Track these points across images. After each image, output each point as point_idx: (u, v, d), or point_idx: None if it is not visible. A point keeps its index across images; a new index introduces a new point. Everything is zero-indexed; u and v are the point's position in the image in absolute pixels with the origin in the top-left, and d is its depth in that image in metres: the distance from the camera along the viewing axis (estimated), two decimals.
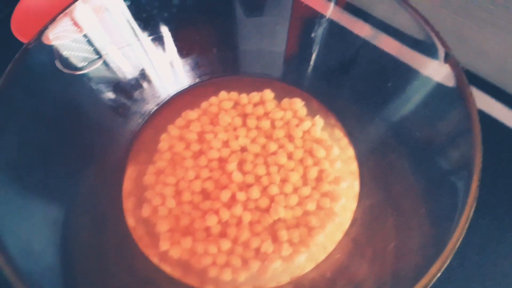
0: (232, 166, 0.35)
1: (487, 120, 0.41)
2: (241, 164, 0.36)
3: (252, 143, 0.37)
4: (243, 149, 0.37)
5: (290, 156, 0.36)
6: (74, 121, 0.34)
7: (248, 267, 0.32)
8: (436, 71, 0.31)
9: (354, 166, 0.36)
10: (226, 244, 0.32)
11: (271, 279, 0.32)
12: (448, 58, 0.29)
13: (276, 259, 0.32)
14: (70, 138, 0.33)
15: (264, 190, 0.35)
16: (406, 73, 0.35)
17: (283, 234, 0.33)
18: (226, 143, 0.37)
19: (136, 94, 0.39)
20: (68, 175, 0.32)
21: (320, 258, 0.32)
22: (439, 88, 0.30)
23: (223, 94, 0.40)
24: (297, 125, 0.38)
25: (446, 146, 0.32)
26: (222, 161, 0.36)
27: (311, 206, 0.34)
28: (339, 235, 0.33)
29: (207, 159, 0.36)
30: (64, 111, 0.33)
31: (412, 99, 0.35)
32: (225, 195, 0.34)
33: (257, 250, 0.33)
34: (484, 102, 0.42)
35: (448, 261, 0.23)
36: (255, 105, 0.39)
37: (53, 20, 0.30)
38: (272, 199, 0.34)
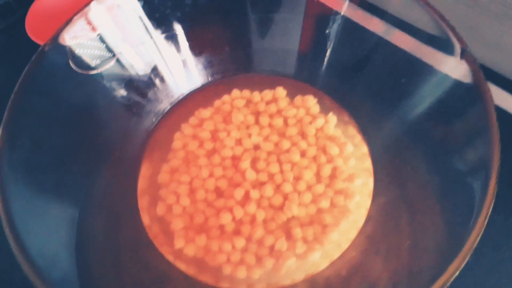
0: (245, 164, 0.36)
1: (504, 116, 0.40)
2: (254, 162, 0.36)
3: (265, 141, 0.37)
4: (256, 147, 0.37)
5: (303, 154, 0.36)
6: (89, 121, 0.34)
7: (262, 265, 0.32)
8: (452, 67, 0.30)
9: (368, 163, 0.36)
10: (240, 242, 0.33)
11: (285, 277, 0.32)
12: (464, 54, 0.29)
13: (290, 257, 0.32)
14: (85, 138, 0.33)
15: (278, 188, 0.35)
16: (421, 70, 0.34)
17: (297, 232, 0.33)
18: (239, 141, 0.37)
19: (150, 93, 0.39)
20: (83, 174, 0.33)
21: (334, 255, 0.32)
22: (455, 84, 0.30)
23: (235, 92, 0.40)
24: (310, 123, 0.37)
25: (463, 144, 0.32)
26: (235, 159, 0.37)
27: (325, 203, 0.34)
28: (353, 233, 0.33)
29: (220, 157, 0.36)
30: (79, 111, 0.34)
31: (427, 96, 0.34)
32: (239, 193, 0.34)
33: (271, 248, 0.33)
34: (501, 97, 0.41)
35: (465, 261, 0.22)
36: (268, 103, 0.39)
37: (69, 21, 0.31)
38: (285, 197, 0.34)
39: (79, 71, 0.34)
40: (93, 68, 0.35)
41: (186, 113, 0.40)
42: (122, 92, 0.37)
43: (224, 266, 0.32)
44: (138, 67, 0.39)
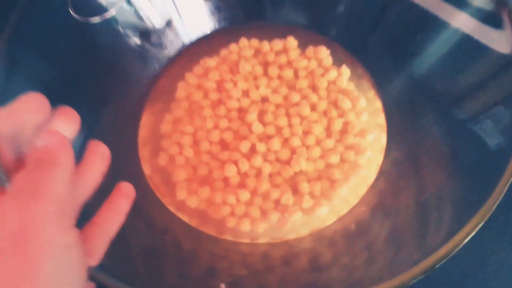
0: (252, 116, 0.34)
1: None
2: (261, 115, 0.34)
3: (273, 94, 0.35)
4: (264, 99, 0.35)
5: (313, 108, 0.34)
6: (91, 63, 0.32)
7: (267, 219, 0.31)
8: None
9: (381, 118, 0.34)
10: (245, 195, 0.31)
11: (290, 231, 0.31)
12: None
13: (296, 211, 0.31)
14: (85, 79, 0.31)
15: (285, 141, 0.33)
16: (437, 27, 0.32)
17: (304, 187, 0.32)
18: (246, 93, 0.35)
19: (154, 38, 0.37)
20: (83, 117, 0.31)
21: (342, 211, 0.31)
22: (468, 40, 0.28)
23: (243, 41, 0.38)
24: (322, 75, 0.35)
25: (477, 104, 0.30)
26: (241, 111, 0.35)
27: (334, 159, 0.32)
28: (363, 189, 0.32)
29: (226, 109, 0.35)
30: (80, 52, 0.32)
31: (442, 54, 0.33)
32: (245, 146, 0.33)
33: (277, 202, 0.32)
34: None
35: (481, 223, 0.21)
36: (278, 53, 0.37)
37: None
38: (293, 151, 0.33)
39: (79, 18, 0.31)
40: (93, 16, 0.33)
41: (190, 62, 0.38)
42: (126, 35, 0.35)
43: (228, 219, 0.31)
44: (143, 10, 0.36)
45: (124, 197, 0.21)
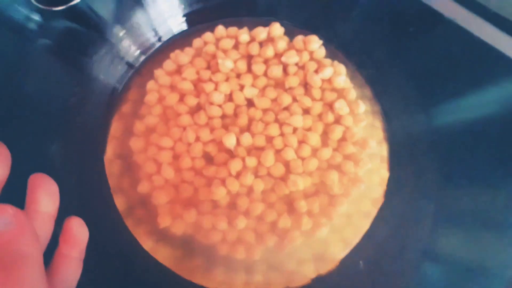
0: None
1: None
2: (248, 122, 0.30)
3: (260, 97, 0.30)
4: (250, 102, 0.31)
5: (306, 111, 0.30)
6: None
7: (263, 243, 0.28)
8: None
9: (381, 124, 0.31)
10: (241, 221, 0.28)
11: (290, 257, 0.28)
12: None
13: (296, 236, 0.28)
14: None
15: (277, 152, 0.29)
16: (430, 19, 0.30)
17: (302, 205, 0.28)
18: (228, 95, 0.31)
19: (116, 29, 0.30)
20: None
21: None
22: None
23: (220, 30, 0.32)
24: (316, 71, 0.31)
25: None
26: (225, 117, 0.30)
27: (333, 174, 0.29)
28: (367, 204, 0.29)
29: (207, 116, 0.30)
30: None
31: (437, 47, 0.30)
32: (234, 167, 0.28)
33: (273, 224, 0.29)
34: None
35: None
36: (262, 44, 0.32)
37: None
38: (287, 165, 0.29)
39: (41, 6, 0.26)
40: (56, 4, 0.27)
41: (160, 57, 0.32)
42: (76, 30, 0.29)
43: (219, 246, 0.28)
44: None
45: (72, 245, 0.17)
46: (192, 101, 0.30)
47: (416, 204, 0.28)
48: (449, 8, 0.30)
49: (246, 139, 0.29)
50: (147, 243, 0.28)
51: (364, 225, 0.28)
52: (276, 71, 0.31)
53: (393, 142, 0.31)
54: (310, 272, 0.28)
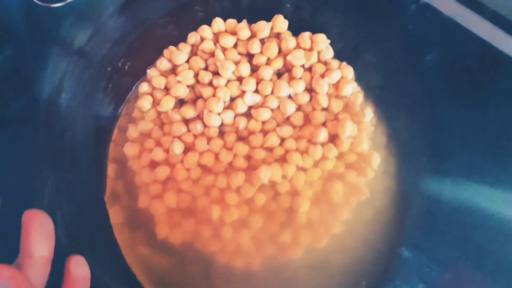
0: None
1: None
2: (248, 133, 0.28)
3: (261, 108, 0.28)
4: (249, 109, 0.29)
5: (308, 120, 0.28)
6: None
7: (263, 252, 0.28)
8: None
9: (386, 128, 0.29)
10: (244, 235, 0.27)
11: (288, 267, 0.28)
12: None
13: (296, 251, 0.27)
14: None
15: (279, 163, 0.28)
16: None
17: (302, 218, 0.28)
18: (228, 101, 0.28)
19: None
20: None
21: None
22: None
23: (218, 23, 0.29)
24: (323, 75, 0.28)
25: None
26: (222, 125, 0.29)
27: (338, 185, 0.28)
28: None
29: (203, 126, 0.28)
30: None
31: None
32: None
33: (272, 236, 0.28)
34: None
35: None
36: (265, 40, 0.29)
37: None
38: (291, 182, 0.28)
39: (40, 3, 0.25)
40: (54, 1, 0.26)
41: (152, 52, 0.29)
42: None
43: (218, 255, 0.28)
44: None
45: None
46: (189, 112, 0.28)
47: None
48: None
49: (242, 149, 0.28)
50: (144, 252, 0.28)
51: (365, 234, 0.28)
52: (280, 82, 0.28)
53: (398, 150, 0.29)
54: (310, 280, 0.28)
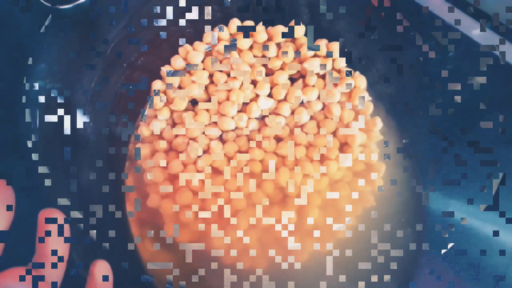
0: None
1: None
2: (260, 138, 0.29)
3: (273, 115, 0.29)
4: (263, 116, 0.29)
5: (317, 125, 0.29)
6: None
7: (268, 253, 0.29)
8: None
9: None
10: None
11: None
12: None
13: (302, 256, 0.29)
14: None
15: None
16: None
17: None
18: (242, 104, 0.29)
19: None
20: None
21: None
22: None
23: (235, 23, 0.29)
24: (336, 84, 0.29)
25: None
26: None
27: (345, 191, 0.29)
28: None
29: (219, 130, 0.28)
30: None
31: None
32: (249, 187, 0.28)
33: (279, 239, 0.29)
34: None
35: None
36: (281, 45, 0.29)
37: None
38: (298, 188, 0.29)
39: (48, 4, 0.25)
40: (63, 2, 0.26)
41: (166, 49, 0.29)
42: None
43: (225, 255, 0.29)
44: None
45: None
46: (204, 117, 0.28)
47: None
48: None
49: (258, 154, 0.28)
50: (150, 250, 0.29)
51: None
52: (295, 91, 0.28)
53: (407, 160, 0.30)
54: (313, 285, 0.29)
